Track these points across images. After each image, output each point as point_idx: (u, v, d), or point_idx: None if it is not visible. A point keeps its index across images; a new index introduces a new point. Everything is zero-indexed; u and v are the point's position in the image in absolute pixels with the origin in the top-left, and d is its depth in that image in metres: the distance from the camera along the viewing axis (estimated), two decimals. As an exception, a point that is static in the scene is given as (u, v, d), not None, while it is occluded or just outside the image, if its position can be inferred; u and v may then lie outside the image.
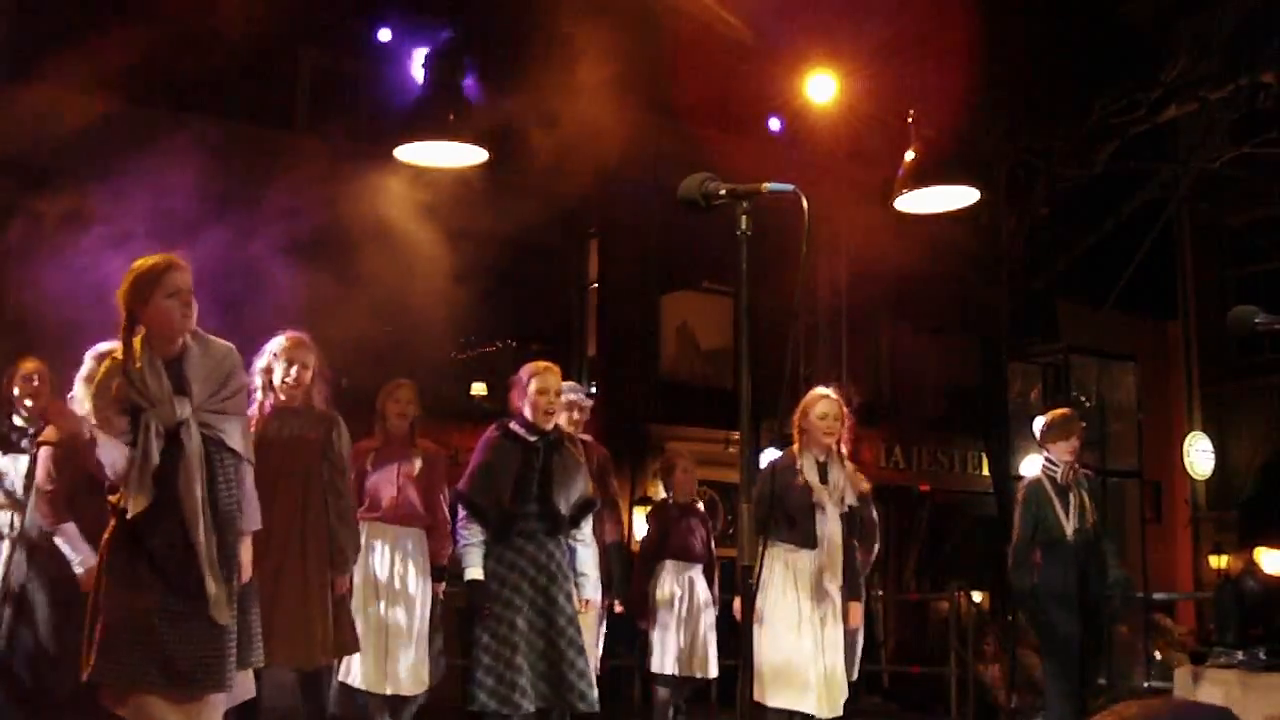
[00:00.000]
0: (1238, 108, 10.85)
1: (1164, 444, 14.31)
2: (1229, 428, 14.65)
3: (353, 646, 5.25)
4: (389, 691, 5.75)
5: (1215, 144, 11.65)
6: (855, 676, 5.92)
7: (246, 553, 4.13)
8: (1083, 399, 11.42)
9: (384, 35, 8.59)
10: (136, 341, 3.94)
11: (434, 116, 7.52)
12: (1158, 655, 9.56)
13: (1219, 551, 13.33)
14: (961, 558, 13.31)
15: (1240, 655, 7.41)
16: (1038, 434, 6.64)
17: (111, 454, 3.89)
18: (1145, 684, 9.74)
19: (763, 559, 5.58)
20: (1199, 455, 13.40)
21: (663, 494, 7.55)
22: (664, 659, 6.91)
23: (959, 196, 8.27)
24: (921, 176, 8.01)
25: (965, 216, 8.99)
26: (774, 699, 5.45)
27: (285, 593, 4.94)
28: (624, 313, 12.64)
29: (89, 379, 4.90)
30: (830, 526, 5.65)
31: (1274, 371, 14.37)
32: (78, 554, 4.89)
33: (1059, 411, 6.65)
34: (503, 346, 8.64)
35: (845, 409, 5.73)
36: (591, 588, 5.34)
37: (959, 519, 14.32)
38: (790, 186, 3.14)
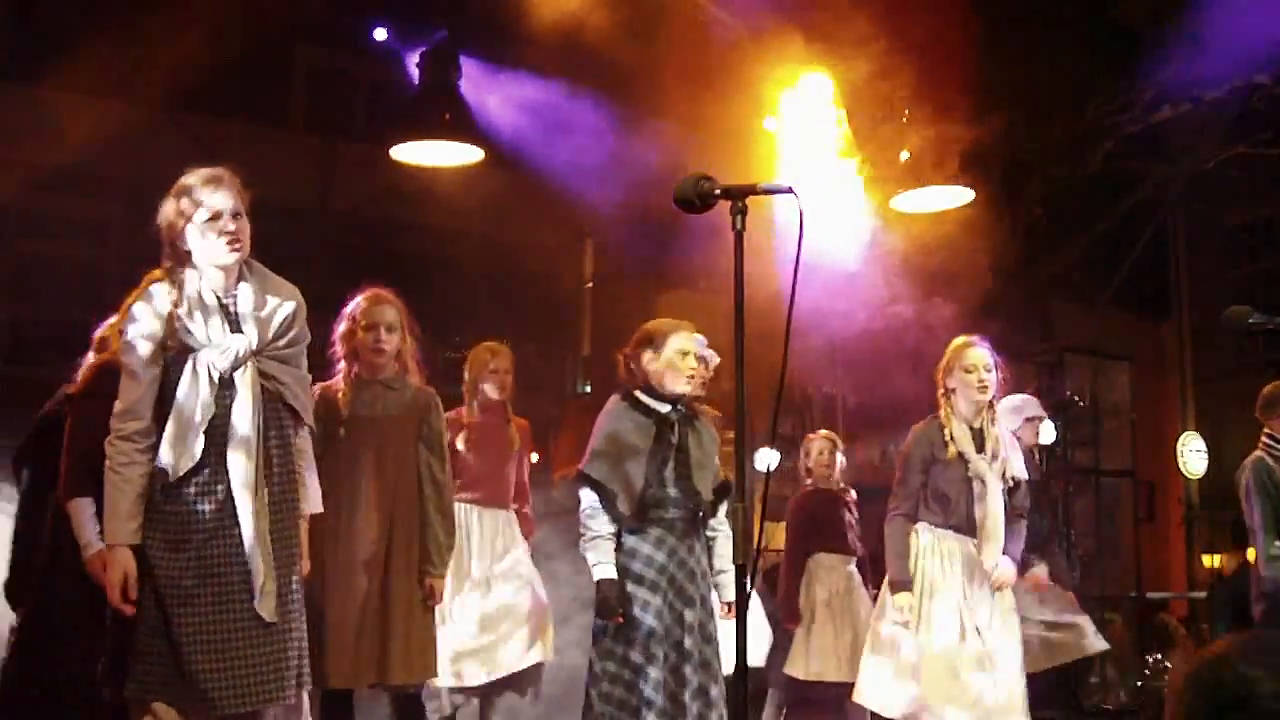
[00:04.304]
0: (1232, 108, 10.86)
1: (1158, 443, 14.32)
2: (1223, 427, 14.64)
3: (431, 670, 4.53)
4: (494, 676, 5.25)
5: (1210, 144, 11.66)
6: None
7: (304, 540, 3.56)
8: (1076, 398, 11.41)
9: (380, 34, 8.57)
10: (183, 273, 3.41)
11: (429, 116, 7.54)
12: (1160, 659, 9.55)
13: (1212, 551, 13.36)
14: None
15: (1234, 654, 7.38)
16: (1258, 409, 5.84)
17: (132, 399, 3.35)
18: (1139, 683, 9.74)
19: (910, 547, 4.93)
20: (1193, 455, 13.41)
21: (808, 482, 6.85)
22: (818, 664, 6.32)
23: (953, 196, 8.30)
24: (916, 177, 8.04)
25: (959, 216, 9.00)
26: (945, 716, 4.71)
27: (365, 598, 4.25)
28: (619, 312, 12.62)
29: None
30: (992, 504, 4.83)
31: (1268, 371, 14.38)
32: (84, 538, 4.23)
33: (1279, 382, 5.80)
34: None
35: (998, 358, 4.96)
36: (730, 590, 4.47)
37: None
38: (786, 186, 3.15)
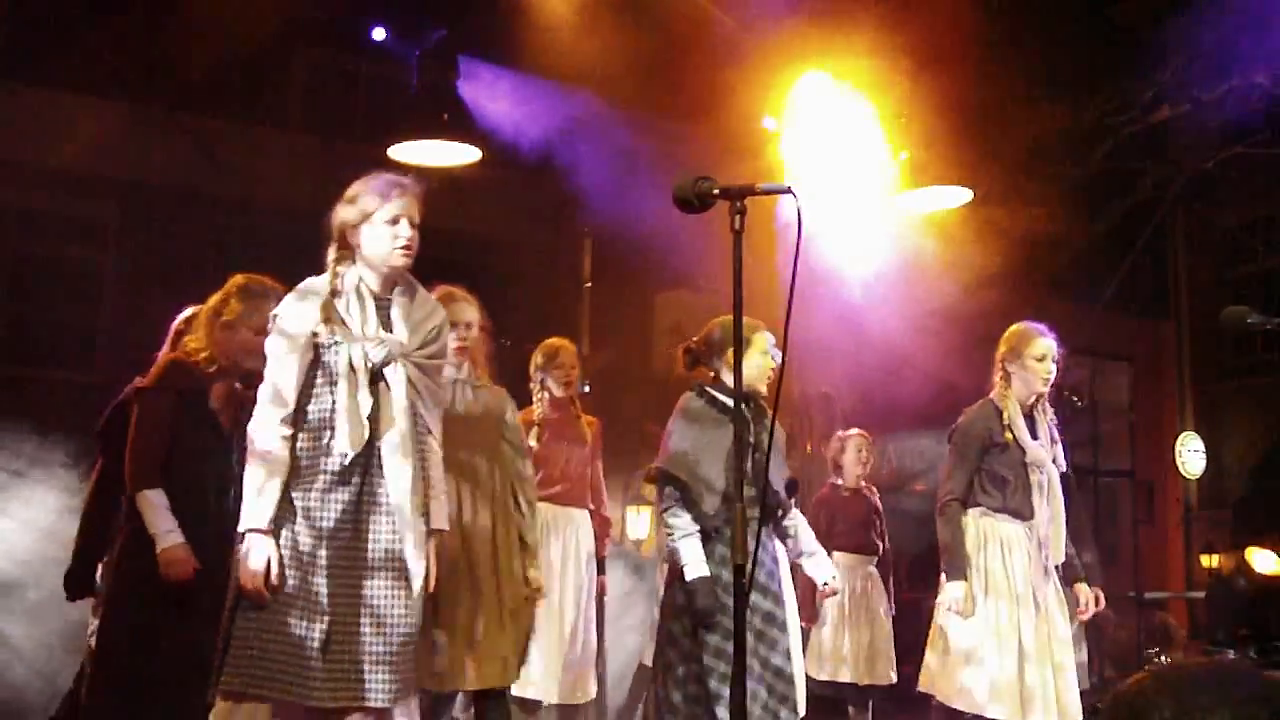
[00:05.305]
0: (1231, 108, 10.87)
1: (1156, 444, 14.33)
2: (1221, 428, 14.65)
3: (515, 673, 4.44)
4: (559, 700, 5.14)
5: (1209, 144, 11.66)
6: (1087, 684, 5.16)
7: (433, 556, 3.50)
8: (1075, 398, 11.43)
9: (379, 34, 8.57)
10: (346, 266, 3.48)
11: (427, 116, 7.56)
12: (1164, 658, 9.56)
13: (1211, 551, 13.35)
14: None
15: (1232, 654, 7.43)
16: None
17: (281, 384, 3.31)
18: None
19: (965, 534, 4.86)
20: (1191, 455, 13.42)
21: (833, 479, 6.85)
22: (831, 665, 6.33)
23: (952, 196, 8.31)
24: (915, 177, 8.05)
25: (958, 217, 9.00)
26: (989, 708, 4.63)
27: (480, 600, 4.19)
28: (618, 312, 12.62)
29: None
30: (1053, 490, 4.84)
31: (1266, 372, 14.38)
32: (160, 528, 4.06)
33: None
34: (496, 345, 8.62)
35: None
36: (829, 566, 4.51)
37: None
38: (785, 186, 3.15)
